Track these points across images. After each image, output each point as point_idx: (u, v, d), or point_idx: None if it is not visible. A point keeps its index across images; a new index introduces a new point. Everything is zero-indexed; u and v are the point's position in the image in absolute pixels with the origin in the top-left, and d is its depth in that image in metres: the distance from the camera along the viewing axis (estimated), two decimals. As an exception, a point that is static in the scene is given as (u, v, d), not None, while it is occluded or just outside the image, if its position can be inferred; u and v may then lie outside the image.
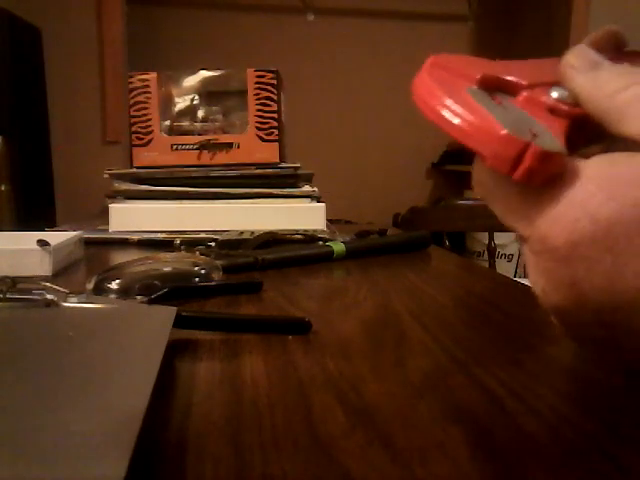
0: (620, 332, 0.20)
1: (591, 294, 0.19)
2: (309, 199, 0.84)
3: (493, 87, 0.22)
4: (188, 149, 0.85)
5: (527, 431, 0.25)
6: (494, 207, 0.23)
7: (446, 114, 0.21)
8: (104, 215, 0.85)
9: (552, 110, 0.22)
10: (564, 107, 0.22)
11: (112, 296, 0.45)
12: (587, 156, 0.21)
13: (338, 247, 0.65)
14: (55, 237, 0.60)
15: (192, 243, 0.71)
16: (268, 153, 0.85)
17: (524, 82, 0.23)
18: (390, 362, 0.34)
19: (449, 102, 0.21)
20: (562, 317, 0.22)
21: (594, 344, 0.22)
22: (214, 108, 0.89)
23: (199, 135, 0.86)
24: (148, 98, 0.85)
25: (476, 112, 0.20)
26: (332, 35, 3.03)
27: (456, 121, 0.20)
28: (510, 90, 0.23)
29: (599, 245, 0.19)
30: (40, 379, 0.25)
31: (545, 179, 0.20)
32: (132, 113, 0.86)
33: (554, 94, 0.22)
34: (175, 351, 0.34)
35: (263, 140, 0.85)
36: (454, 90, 0.21)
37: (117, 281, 0.46)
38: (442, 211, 1.38)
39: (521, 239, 0.22)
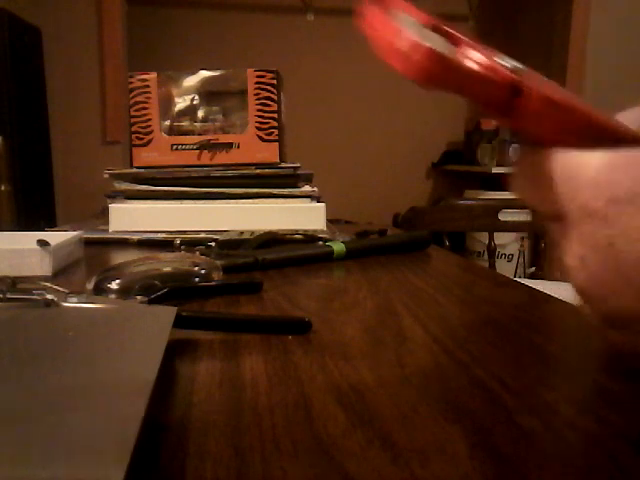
0: None
1: (627, 249, 0.21)
2: (309, 199, 0.84)
3: (439, 31, 0.24)
4: (188, 149, 0.85)
5: (527, 431, 0.25)
6: (534, 195, 0.25)
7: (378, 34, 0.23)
8: (104, 215, 0.84)
9: (487, 59, 0.24)
10: (499, 63, 0.24)
11: (112, 296, 0.45)
12: None
13: (338, 247, 0.65)
14: (55, 237, 0.60)
15: (192, 243, 0.71)
16: (268, 153, 0.85)
17: (468, 40, 0.25)
18: (390, 362, 0.34)
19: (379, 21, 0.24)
20: (598, 288, 0.23)
21: (625, 323, 0.23)
22: (214, 108, 0.89)
23: (199, 135, 0.86)
24: (148, 98, 0.85)
25: (389, 26, 0.23)
26: (332, 35, 3.03)
27: (377, 37, 0.23)
28: (454, 42, 0.25)
29: (637, 200, 0.21)
30: (40, 379, 0.25)
31: (442, 83, 0.22)
32: (132, 113, 0.86)
33: (503, 60, 0.25)
34: (175, 351, 0.34)
35: (263, 140, 0.85)
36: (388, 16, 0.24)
37: (117, 281, 0.46)
38: (442, 211, 1.38)
39: (556, 219, 0.24)
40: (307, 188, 0.85)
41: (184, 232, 0.79)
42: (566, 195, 0.23)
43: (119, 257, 0.70)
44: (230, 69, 0.89)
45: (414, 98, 3.12)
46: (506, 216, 1.34)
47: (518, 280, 0.59)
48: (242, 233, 0.73)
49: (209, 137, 0.85)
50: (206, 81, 0.89)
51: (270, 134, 0.85)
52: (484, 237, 2.35)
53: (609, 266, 0.22)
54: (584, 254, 0.23)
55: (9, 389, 0.24)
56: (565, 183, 0.24)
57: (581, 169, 0.23)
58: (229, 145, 0.85)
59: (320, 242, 0.71)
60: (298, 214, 0.82)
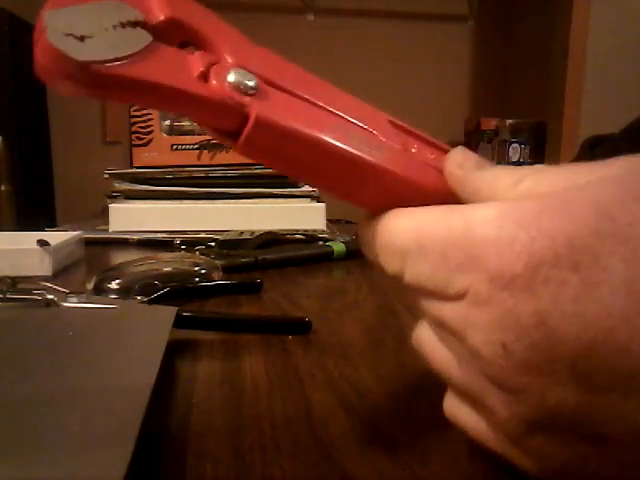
0: (595, 386, 0.16)
1: (562, 328, 0.16)
2: (309, 199, 0.84)
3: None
4: (188, 149, 0.85)
5: (527, 431, 0.25)
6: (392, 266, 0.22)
7: None
8: (104, 215, 0.84)
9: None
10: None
11: (112, 296, 0.45)
12: None
13: (338, 247, 0.65)
14: (55, 237, 0.60)
15: (192, 243, 0.71)
16: (268, 153, 0.85)
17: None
18: (390, 362, 0.34)
19: None
20: (531, 380, 0.17)
21: (564, 426, 0.18)
22: (214, 108, 0.89)
23: (199, 135, 0.86)
24: (148, 98, 0.85)
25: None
26: (332, 35, 3.03)
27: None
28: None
29: (563, 264, 0.16)
30: (40, 379, 0.25)
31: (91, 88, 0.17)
32: (132, 113, 0.86)
33: (232, 76, 0.19)
34: (175, 351, 0.34)
35: (263, 140, 0.85)
36: None
37: (117, 281, 0.46)
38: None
39: (436, 298, 0.19)
40: (307, 188, 0.85)
41: (184, 232, 0.79)
42: (454, 264, 0.18)
43: (119, 257, 0.70)
44: (230, 69, 0.89)
45: (414, 98, 3.12)
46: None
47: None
48: (242, 233, 0.73)
49: (209, 137, 0.85)
50: (206, 81, 0.89)
51: (270, 134, 0.85)
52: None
53: (543, 351, 0.17)
54: (505, 340, 0.17)
55: (9, 389, 0.24)
56: (447, 249, 0.18)
57: (471, 227, 0.18)
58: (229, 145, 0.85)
59: (320, 242, 0.71)
60: (298, 214, 0.82)
